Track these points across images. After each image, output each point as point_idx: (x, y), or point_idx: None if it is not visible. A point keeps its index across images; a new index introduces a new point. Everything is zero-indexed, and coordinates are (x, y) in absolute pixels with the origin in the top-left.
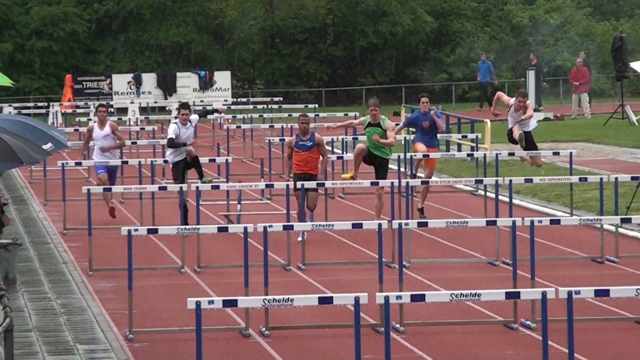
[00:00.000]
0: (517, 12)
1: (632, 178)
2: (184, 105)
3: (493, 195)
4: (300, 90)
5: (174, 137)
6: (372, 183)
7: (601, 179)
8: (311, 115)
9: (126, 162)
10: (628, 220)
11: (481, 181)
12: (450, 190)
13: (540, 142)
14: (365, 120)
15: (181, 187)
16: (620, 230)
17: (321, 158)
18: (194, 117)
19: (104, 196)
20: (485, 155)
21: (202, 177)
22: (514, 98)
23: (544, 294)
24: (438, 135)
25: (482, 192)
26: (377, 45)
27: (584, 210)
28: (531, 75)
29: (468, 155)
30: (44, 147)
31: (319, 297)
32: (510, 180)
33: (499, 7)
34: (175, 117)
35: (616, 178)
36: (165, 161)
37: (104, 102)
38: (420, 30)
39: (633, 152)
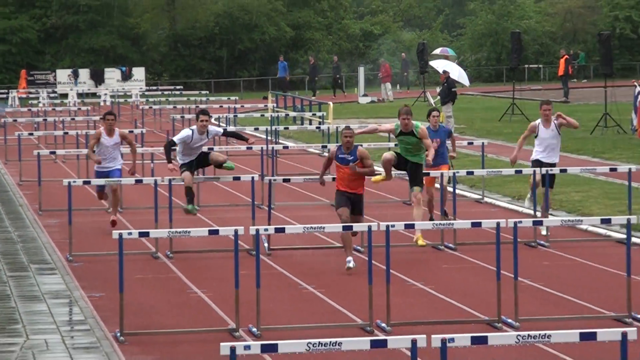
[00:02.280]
0: (351, 25)
1: None
2: (203, 112)
3: None
4: (195, 81)
5: (175, 140)
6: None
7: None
8: (203, 99)
9: (67, 133)
10: (426, 174)
11: (326, 146)
12: (304, 153)
13: (368, 117)
14: (397, 129)
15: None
16: None
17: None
18: (216, 129)
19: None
20: (328, 127)
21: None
22: (536, 121)
23: (369, 227)
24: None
25: (327, 154)
26: (250, 49)
27: None
28: (361, 70)
29: (317, 127)
30: None
31: (209, 230)
32: None
33: (338, 21)
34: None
35: None
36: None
37: (111, 111)
38: (282, 38)
39: None
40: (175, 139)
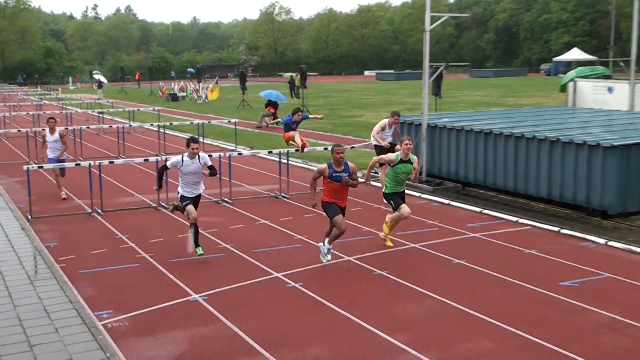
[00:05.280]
0: (157, 53)
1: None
2: (193, 139)
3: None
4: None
5: (168, 165)
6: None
7: (135, 109)
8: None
9: None
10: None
11: (101, 110)
12: (84, 112)
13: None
14: (397, 157)
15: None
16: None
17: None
18: (206, 159)
19: (57, 180)
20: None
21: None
22: (384, 120)
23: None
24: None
25: (97, 114)
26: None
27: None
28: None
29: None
30: None
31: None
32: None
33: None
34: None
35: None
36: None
37: (53, 117)
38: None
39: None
40: (168, 163)
